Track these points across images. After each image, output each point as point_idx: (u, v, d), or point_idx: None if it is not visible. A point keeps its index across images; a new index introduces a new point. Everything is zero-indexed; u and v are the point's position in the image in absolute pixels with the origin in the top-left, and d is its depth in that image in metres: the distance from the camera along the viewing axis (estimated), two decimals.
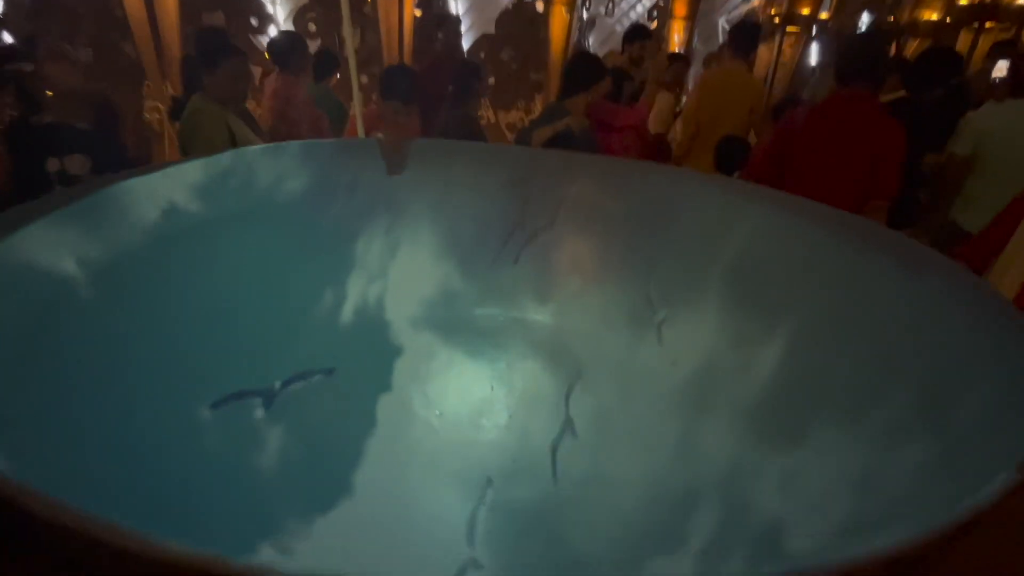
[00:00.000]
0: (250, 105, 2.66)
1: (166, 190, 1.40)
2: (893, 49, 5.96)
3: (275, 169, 1.91)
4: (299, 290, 1.81)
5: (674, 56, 3.57)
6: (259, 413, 1.26)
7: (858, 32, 2.92)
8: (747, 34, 3.16)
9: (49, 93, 1.53)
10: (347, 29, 2.09)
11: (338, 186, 2.06)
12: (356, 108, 2.15)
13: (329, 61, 2.89)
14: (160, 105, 3.25)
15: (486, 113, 4.81)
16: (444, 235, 2.23)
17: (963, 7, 5.34)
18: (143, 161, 1.64)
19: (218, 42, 1.78)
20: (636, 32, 3.43)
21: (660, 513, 0.97)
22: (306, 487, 1.13)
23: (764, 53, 6.05)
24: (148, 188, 1.40)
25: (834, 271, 1.05)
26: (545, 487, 1.40)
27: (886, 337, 0.88)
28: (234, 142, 1.67)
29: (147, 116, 3.24)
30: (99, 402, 0.71)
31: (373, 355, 1.90)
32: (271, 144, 1.85)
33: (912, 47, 5.88)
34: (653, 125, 2.95)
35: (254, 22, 3.75)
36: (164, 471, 0.81)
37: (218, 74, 1.66)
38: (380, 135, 1.87)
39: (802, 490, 0.82)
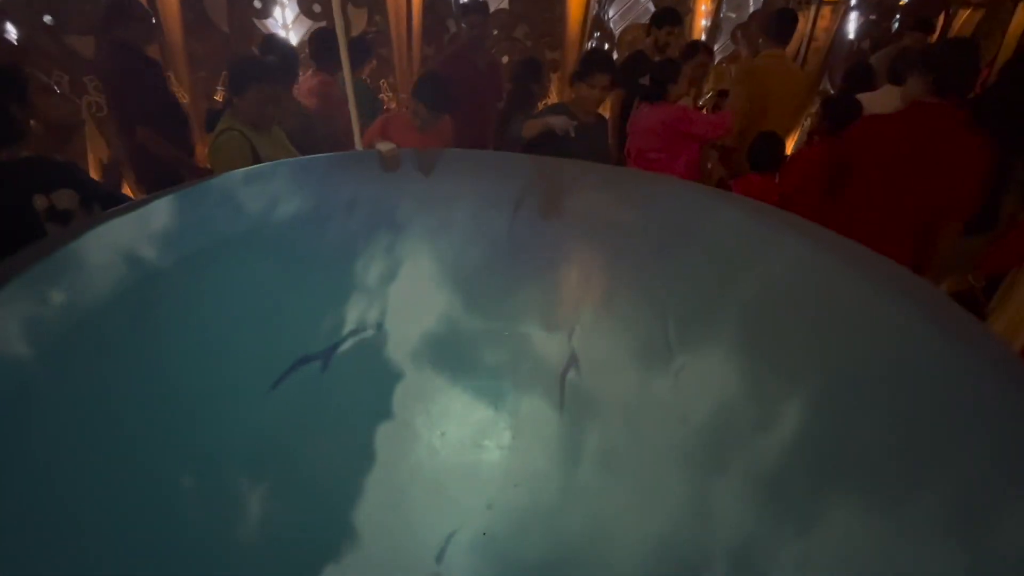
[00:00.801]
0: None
1: (140, 230, 1.35)
2: (941, 20, 5.54)
3: (268, 192, 1.82)
4: (301, 311, 1.75)
5: (693, 46, 3.33)
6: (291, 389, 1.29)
7: (950, 40, 2.67)
8: (785, 20, 2.96)
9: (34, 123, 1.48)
10: (337, 12, 1.94)
11: (337, 205, 1.97)
12: (350, 98, 2.01)
13: (361, 49, 2.75)
14: None
15: None
16: (446, 253, 2.14)
17: None
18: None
19: (247, 69, 1.78)
20: (666, 16, 3.21)
21: None
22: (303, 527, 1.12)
23: (799, 23, 5.68)
24: (133, 225, 1.35)
25: (866, 325, 0.93)
26: (548, 537, 1.36)
27: (923, 414, 0.77)
28: (257, 162, 1.68)
29: None
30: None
31: (376, 373, 1.84)
32: (265, 164, 1.78)
33: (962, 18, 5.45)
34: None
35: (257, 4, 3.61)
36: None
37: (246, 99, 1.71)
38: (385, 143, 1.78)
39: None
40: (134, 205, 1.26)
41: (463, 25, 2.63)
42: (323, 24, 3.54)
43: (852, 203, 1.98)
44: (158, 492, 0.94)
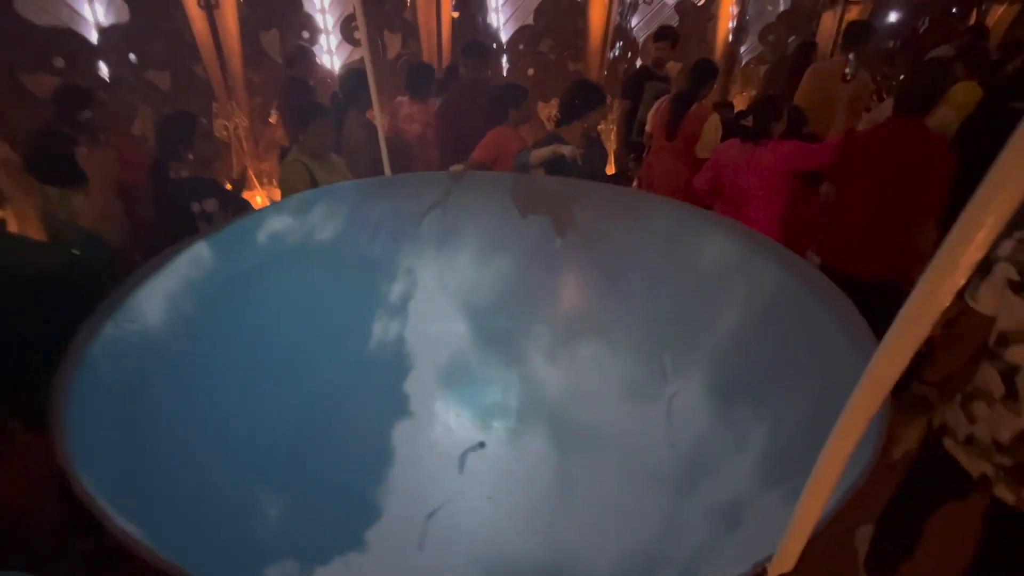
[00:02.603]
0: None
1: (236, 236, 1.82)
2: (974, 17, 5.44)
3: (315, 213, 2.26)
4: (338, 309, 2.18)
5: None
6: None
7: (923, 60, 2.79)
8: (861, 31, 3.18)
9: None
10: (363, 32, 2.24)
11: (368, 224, 2.38)
12: (377, 118, 2.32)
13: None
14: (227, 123, 3.65)
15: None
16: (462, 266, 2.51)
17: None
18: (212, 165, 2.13)
19: (308, 107, 2.13)
20: (663, 33, 3.43)
21: None
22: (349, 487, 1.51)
23: (827, 21, 5.70)
24: (235, 232, 1.84)
25: (838, 364, 1.15)
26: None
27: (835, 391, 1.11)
28: (315, 186, 2.04)
29: (217, 133, 3.65)
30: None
31: (402, 368, 2.26)
32: (316, 190, 2.15)
33: (998, 12, 5.35)
34: (701, 150, 2.89)
35: (305, 35, 4.03)
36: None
37: (308, 132, 2.06)
38: (457, 165, 2.14)
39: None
40: (238, 219, 1.73)
41: (462, 67, 2.92)
42: (417, 59, 3.93)
43: (840, 209, 2.21)
44: (240, 413, 1.39)
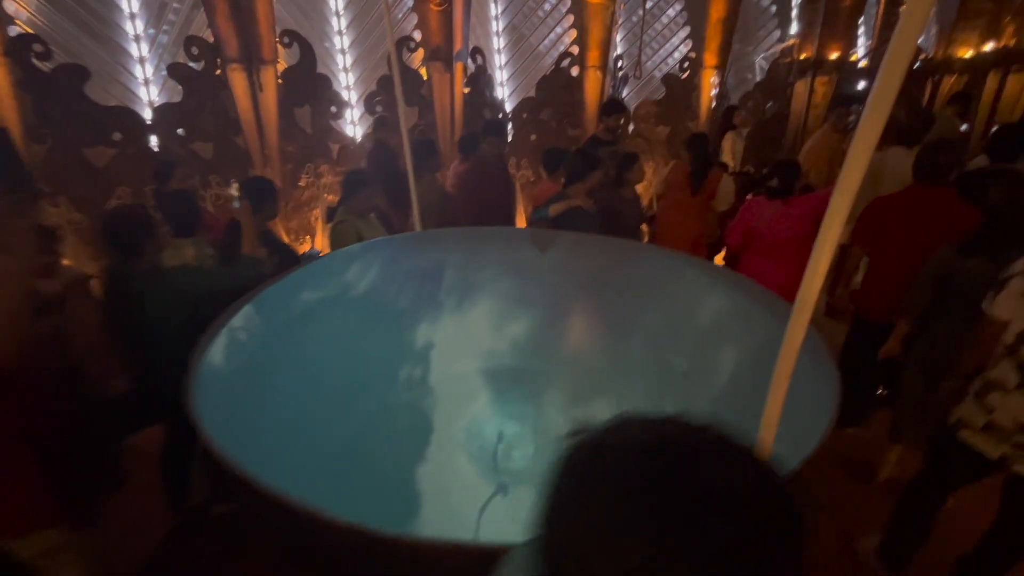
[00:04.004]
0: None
1: (296, 284, 2.15)
2: (930, 86, 6.05)
3: (357, 265, 2.61)
4: (372, 348, 2.49)
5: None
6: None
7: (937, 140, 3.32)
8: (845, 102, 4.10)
9: None
10: (401, 108, 2.67)
11: (399, 273, 2.71)
12: (411, 183, 2.71)
13: (431, 149, 3.59)
14: None
15: (526, 172, 5.39)
16: (485, 308, 2.82)
17: (987, 53, 5.42)
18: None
19: (357, 179, 2.52)
20: (613, 107, 3.96)
21: None
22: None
23: (800, 89, 6.30)
24: (296, 279, 2.18)
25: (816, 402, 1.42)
26: None
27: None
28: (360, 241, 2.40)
29: None
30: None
31: (429, 399, 2.55)
32: (359, 244, 2.46)
33: (949, 83, 5.95)
34: (718, 204, 3.46)
35: (333, 109, 4.51)
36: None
37: (356, 198, 2.45)
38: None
39: None
40: (299, 267, 2.08)
41: (484, 144, 3.33)
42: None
43: (873, 266, 2.59)
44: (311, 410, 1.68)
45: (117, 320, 1.75)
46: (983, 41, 5.72)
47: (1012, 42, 5.37)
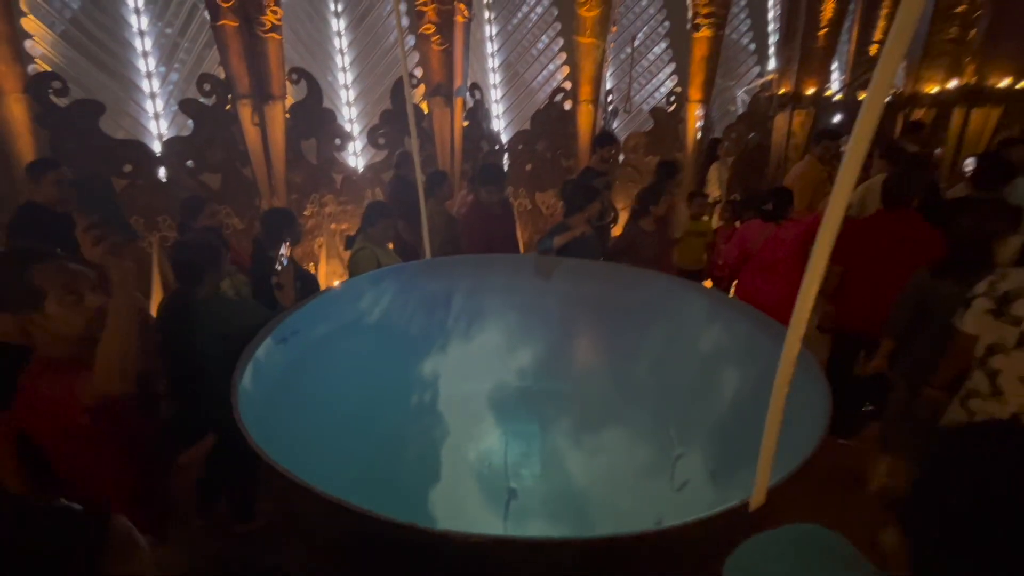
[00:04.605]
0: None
1: (318, 309, 2.25)
2: (902, 119, 6.41)
3: (374, 291, 2.72)
4: (387, 370, 2.59)
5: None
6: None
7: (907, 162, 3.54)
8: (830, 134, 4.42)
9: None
10: (414, 142, 2.82)
11: (410, 300, 2.82)
12: (423, 214, 2.84)
13: (441, 179, 3.81)
14: None
15: (523, 200, 5.58)
16: (494, 333, 2.93)
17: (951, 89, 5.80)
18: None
19: (377, 210, 2.68)
20: (606, 139, 4.16)
21: None
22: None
23: (780, 122, 6.64)
24: (318, 305, 2.29)
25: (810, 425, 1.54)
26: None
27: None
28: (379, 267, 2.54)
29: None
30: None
31: (440, 424, 2.65)
32: (376, 271, 2.58)
33: (919, 114, 6.31)
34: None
35: (338, 142, 4.68)
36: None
37: (375, 228, 2.61)
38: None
39: None
40: (320, 294, 2.18)
41: (483, 192, 3.28)
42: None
43: (846, 281, 2.79)
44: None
45: (169, 345, 1.84)
46: (948, 78, 6.13)
47: (973, 80, 5.75)
